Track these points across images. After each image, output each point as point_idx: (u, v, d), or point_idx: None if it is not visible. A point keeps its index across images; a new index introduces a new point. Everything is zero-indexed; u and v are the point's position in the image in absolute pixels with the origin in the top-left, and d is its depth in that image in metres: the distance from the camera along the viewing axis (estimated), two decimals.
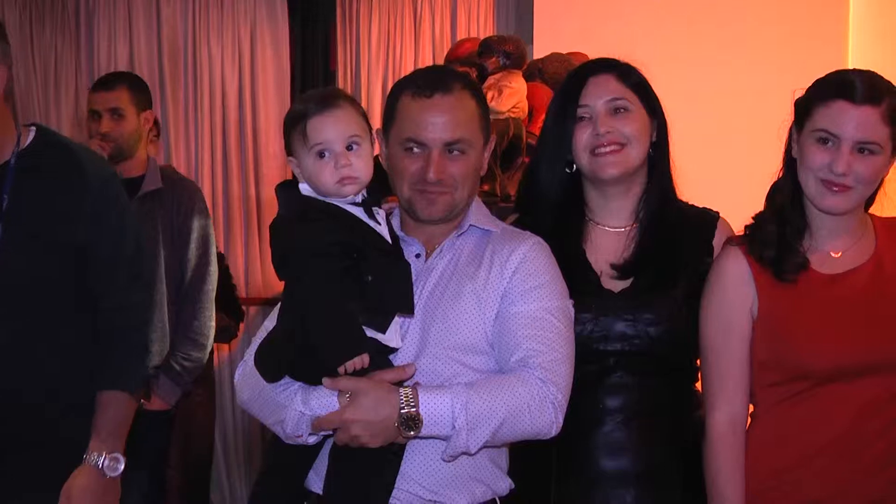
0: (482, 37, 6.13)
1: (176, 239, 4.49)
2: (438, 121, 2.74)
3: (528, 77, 5.16)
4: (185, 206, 4.56)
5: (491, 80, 5.09)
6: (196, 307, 4.59)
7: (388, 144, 2.82)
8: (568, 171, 2.98)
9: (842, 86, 2.75)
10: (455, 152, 2.75)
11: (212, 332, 4.73)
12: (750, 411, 2.90)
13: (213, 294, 4.70)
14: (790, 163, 2.88)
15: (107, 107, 4.52)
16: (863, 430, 2.77)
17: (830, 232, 2.85)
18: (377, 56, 7.32)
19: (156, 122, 5.08)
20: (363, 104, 6.85)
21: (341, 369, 2.54)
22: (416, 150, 2.75)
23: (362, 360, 2.54)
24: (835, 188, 2.75)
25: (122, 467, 3.03)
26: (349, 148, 2.66)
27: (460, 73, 3.21)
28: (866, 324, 2.78)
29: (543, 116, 3.15)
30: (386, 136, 2.83)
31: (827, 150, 2.74)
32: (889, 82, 2.80)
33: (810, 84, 2.86)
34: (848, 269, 2.84)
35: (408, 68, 6.87)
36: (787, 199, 2.87)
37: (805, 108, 2.83)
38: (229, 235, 7.24)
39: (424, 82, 2.82)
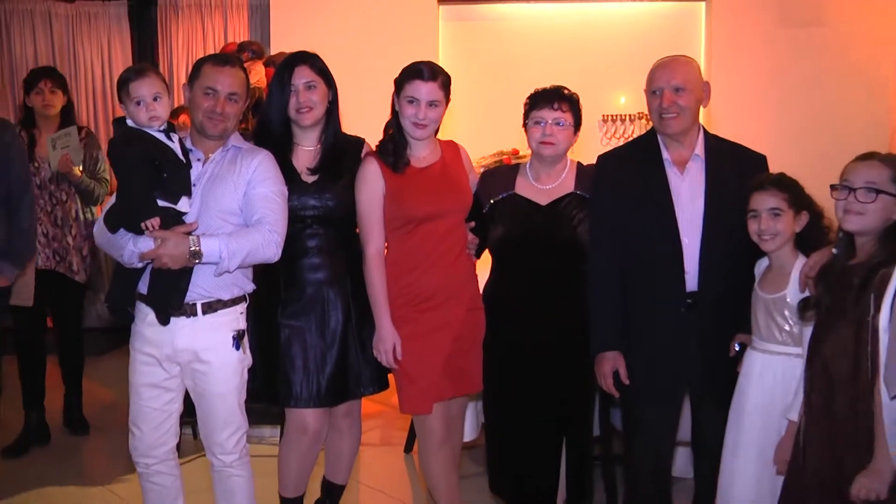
0: (239, 41, 6.06)
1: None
2: (226, 79, 2.77)
3: (266, 65, 5.08)
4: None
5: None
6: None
7: (192, 91, 2.80)
8: (284, 116, 2.97)
9: (418, 71, 2.90)
10: (231, 100, 2.78)
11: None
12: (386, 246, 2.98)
13: None
14: (395, 111, 2.98)
15: None
16: (444, 247, 2.92)
17: (419, 146, 2.99)
18: (182, 55, 7.15)
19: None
20: (175, 84, 6.81)
21: (143, 226, 2.58)
22: (211, 94, 2.76)
23: (155, 221, 2.58)
24: (419, 128, 2.92)
25: None
26: (155, 99, 2.66)
27: (238, 57, 3.25)
28: (438, 191, 2.94)
29: None
30: (191, 87, 2.81)
31: (414, 106, 2.90)
32: (441, 67, 2.95)
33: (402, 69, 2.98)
34: (429, 164, 2.99)
35: None
36: (396, 130, 2.98)
37: (400, 83, 2.95)
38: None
39: (220, 58, 2.85)
